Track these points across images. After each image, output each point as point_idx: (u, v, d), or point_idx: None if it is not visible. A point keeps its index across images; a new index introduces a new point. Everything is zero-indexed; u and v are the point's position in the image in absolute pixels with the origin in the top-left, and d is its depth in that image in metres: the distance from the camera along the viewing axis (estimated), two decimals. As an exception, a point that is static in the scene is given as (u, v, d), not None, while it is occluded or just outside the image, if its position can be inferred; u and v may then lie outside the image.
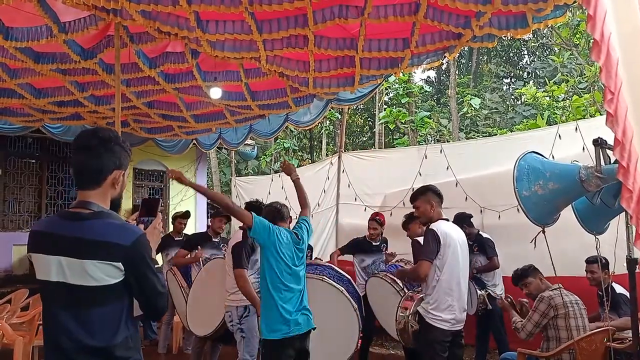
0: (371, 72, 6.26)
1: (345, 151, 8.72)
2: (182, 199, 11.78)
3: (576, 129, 5.79)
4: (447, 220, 3.90)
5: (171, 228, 7.28)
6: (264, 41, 5.35)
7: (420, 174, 6.85)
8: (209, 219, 6.00)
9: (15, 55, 5.30)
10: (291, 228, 4.00)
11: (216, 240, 5.86)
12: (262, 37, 5.23)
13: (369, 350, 6.00)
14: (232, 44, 5.42)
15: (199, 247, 5.62)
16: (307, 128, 8.77)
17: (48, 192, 10.22)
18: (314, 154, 22.85)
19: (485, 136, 18.62)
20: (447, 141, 17.94)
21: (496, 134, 14.85)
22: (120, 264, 1.89)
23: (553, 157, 5.66)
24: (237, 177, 11.53)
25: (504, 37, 5.49)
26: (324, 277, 4.40)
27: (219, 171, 20.12)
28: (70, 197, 10.54)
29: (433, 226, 3.77)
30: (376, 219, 6.03)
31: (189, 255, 5.72)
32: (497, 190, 6.07)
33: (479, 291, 5.44)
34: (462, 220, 5.61)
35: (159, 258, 6.58)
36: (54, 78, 6.01)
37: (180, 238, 6.56)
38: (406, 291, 4.63)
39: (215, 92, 6.41)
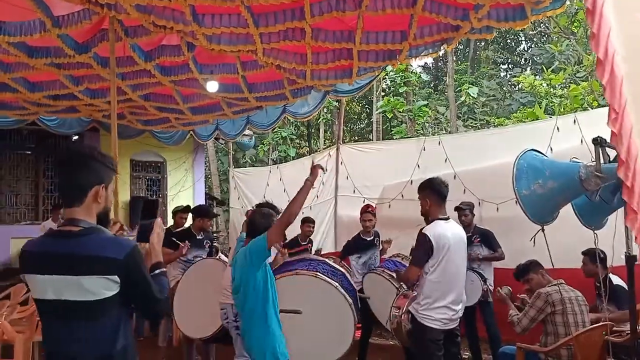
0: (369, 64, 6.21)
1: (343, 141, 8.68)
2: (180, 190, 11.75)
3: (574, 121, 5.77)
4: (447, 219, 3.82)
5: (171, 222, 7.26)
6: (260, 34, 5.29)
7: (418, 166, 6.83)
8: (196, 218, 5.88)
9: (9, 50, 5.24)
10: None
11: (200, 237, 5.77)
12: (259, 31, 5.18)
13: (369, 341, 6.01)
14: (228, 37, 5.36)
15: (187, 242, 5.54)
16: (305, 119, 8.72)
17: (45, 184, 10.18)
18: (312, 141, 22.78)
19: (483, 123, 18.59)
20: (445, 129, 17.91)
21: (494, 122, 14.81)
22: (116, 277, 1.92)
23: (551, 149, 5.65)
24: (235, 169, 11.49)
25: (502, 27, 5.46)
26: (318, 272, 4.39)
27: (216, 160, 20.08)
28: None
29: (426, 230, 3.71)
30: (369, 211, 6.00)
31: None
32: (495, 182, 6.04)
33: (483, 285, 5.44)
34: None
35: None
36: (48, 72, 5.96)
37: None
38: (404, 287, 4.64)
39: (212, 86, 6.36)
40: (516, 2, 4.85)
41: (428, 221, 3.80)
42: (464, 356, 5.85)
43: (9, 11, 4.81)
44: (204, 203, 12.62)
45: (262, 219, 3.52)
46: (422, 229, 3.76)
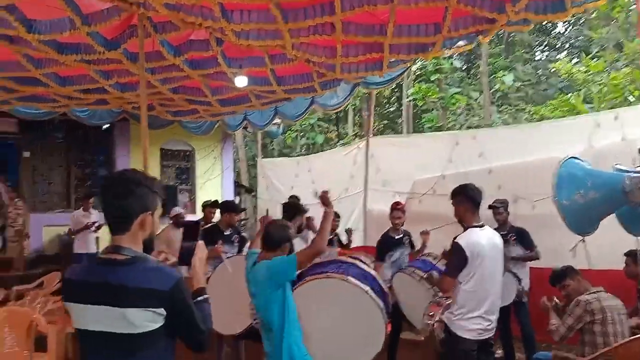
0: (400, 56, 6.07)
1: (373, 132, 8.53)
2: (209, 179, 11.79)
3: (616, 117, 5.52)
4: (481, 226, 3.69)
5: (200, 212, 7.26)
6: (289, 30, 5.19)
7: (451, 161, 6.64)
8: (224, 213, 5.79)
9: (39, 47, 5.25)
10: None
11: (227, 233, 5.71)
12: (288, 27, 5.08)
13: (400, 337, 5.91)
14: (256, 32, 5.28)
15: (220, 241, 5.49)
16: (334, 111, 8.59)
17: (76, 173, 10.33)
18: (340, 126, 22.60)
19: (518, 109, 18.13)
20: (479, 116, 17.51)
21: (529, 110, 14.40)
22: (161, 309, 1.86)
23: (591, 146, 5.43)
24: (263, 159, 11.46)
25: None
26: (349, 277, 4.29)
27: (244, 145, 20.12)
28: (98, 172, 10.65)
29: (460, 239, 3.58)
30: (398, 209, 5.87)
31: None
32: (531, 179, 5.87)
33: (518, 285, 5.31)
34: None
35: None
36: (78, 67, 5.97)
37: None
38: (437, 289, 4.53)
39: (241, 81, 6.29)
40: (556, -1, 4.67)
41: (464, 227, 3.68)
42: (496, 355, 5.75)
43: (39, 9, 4.80)
44: (233, 189, 12.68)
45: (278, 231, 3.43)
46: (455, 238, 3.64)
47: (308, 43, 5.73)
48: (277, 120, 11.03)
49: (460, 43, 5.96)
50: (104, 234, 9.15)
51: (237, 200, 13.64)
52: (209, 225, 5.81)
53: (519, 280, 5.43)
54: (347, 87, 7.55)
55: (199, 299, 2.07)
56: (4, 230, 9.15)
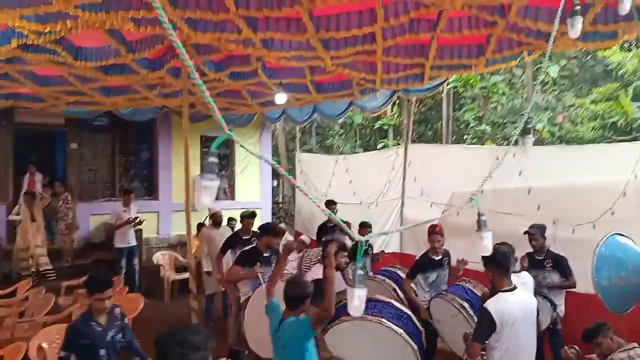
0: (442, 72, 5.99)
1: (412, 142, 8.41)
2: (247, 164, 11.93)
3: (668, 145, 5.30)
4: (512, 289, 3.66)
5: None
6: (331, 56, 5.17)
7: (490, 176, 6.47)
8: (263, 236, 5.77)
9: (85, 71, 5.38)
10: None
11: (267, 254, 5.62)
12: (329, 54, 5.06)
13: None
14: (297, 57, 5.26)
15: (258, 263, 5.55)
16: (373, 114, 8.53)
17: (120, 161, 10.58)
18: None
19: (563, 88, 17.43)
20: (521, 96, 16.94)
21: (572, 101, 13.84)
22: None
23: (636, 176, 5.26)
24: (301, 152, 11.49)
25: None
26: (382, 318, 4.36)
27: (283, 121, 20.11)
28: (142, 160, 10.91)
29: (488, 304, 3.51)
30: (437, 232, 5.81)
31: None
32: (573, 202, 5.73)
33: (552, 312, 5.28)
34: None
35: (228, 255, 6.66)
36: (123, 81, 6.11)
37: (248, 237, 6.59)
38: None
39: (281, 98, 6.33)
40: (607, 29, 4.51)
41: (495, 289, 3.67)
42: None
43: (85, 38, 4.90)
44: (271, 174, 12.77)
45: (295, 291, 3.58)
46: (484, 303, 3.61)
47: (348, 62, 5.70)
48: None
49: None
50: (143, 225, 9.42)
51: (275, 184, 13.79)
52: (249, 248, 5.86)
53: (555, 306, 5.40)
54: (387, 92, 7.48)
55: None
56: (53, 223, 9.46)
